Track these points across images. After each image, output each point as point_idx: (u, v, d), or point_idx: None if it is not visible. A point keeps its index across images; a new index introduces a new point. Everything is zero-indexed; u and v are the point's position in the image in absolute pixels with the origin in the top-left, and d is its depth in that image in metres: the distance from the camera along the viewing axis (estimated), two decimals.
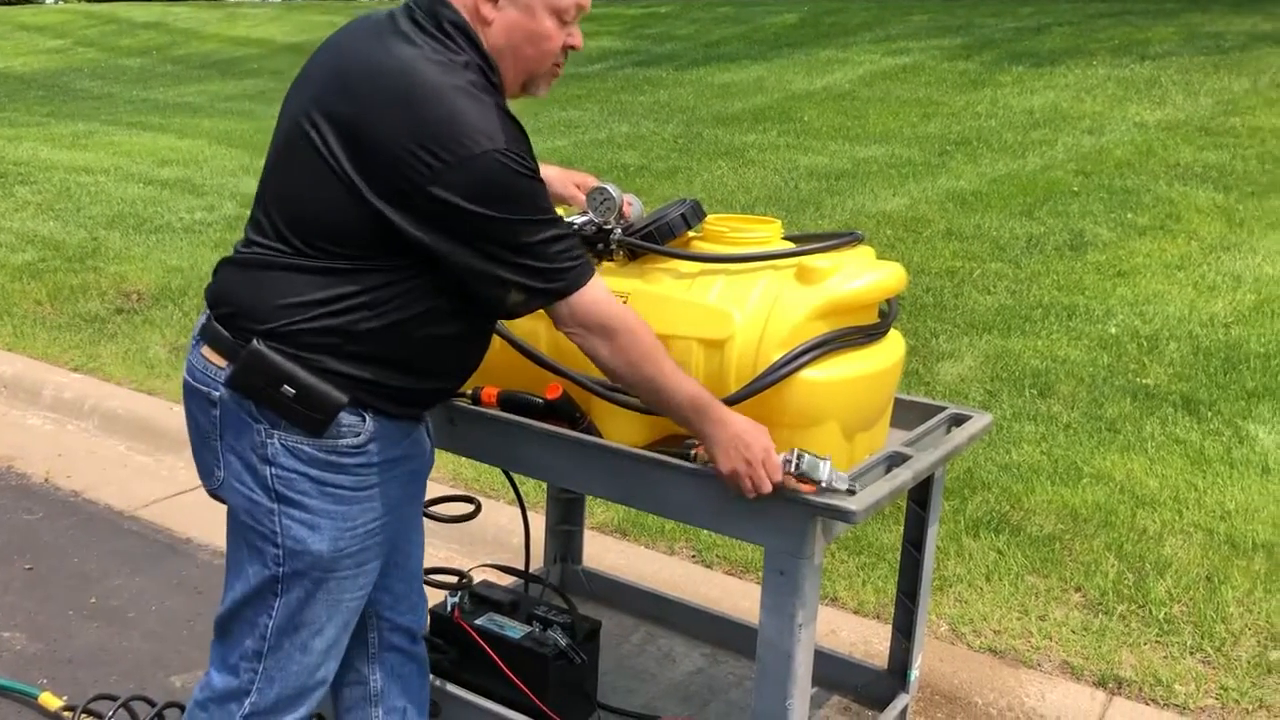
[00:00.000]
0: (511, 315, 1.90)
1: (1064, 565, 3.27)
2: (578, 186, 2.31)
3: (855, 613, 3.12)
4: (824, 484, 1.83)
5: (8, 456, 4.43)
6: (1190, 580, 3.17)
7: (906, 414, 2.35)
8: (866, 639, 2.94)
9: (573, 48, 1.89)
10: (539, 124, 10.15)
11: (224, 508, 1.92)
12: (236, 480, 1.85)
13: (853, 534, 3.44)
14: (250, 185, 2.48)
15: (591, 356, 1.85)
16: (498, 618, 2.46)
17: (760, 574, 3.29)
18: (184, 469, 4.06)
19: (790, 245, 2.14)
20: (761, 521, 1.91)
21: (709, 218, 2.22)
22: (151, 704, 2.72)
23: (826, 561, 3.34)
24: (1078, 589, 3.18)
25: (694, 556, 3.43)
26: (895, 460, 2.08)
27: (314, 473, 1.82)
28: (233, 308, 1.82)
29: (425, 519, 2.27)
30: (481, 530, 3.47)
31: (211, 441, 1.87)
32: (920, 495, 2.38)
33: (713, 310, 2.03)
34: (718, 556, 3.40)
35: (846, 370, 2.04)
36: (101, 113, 12.79)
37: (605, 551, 3.33)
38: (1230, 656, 2.88)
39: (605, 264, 2.21)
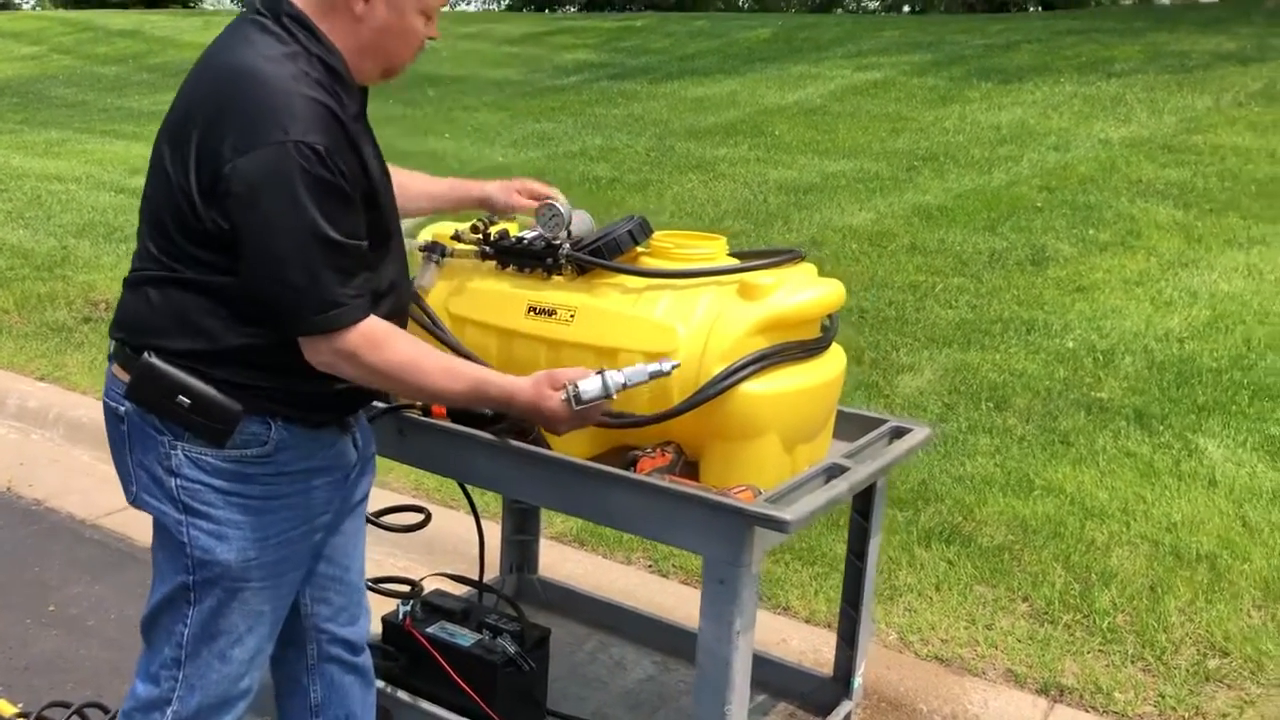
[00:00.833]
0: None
1: (1013, 575, 3.34)
2: (521, 193, 2.34)
3: (807, 621, 3.17)
4: (612, 394, 1.88)
5: None
6: (1134, 590, 3.24)
7: (849, 426, 2.41)
8: (816, 647, 2.99)
9: (430, 38, 1.91)
10: (513, 136, 10.22)
11: None
12: (146, 492, 1.88)
13: (807, 545, 3.50)
14: None
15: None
16: (449, 626, 2.49)
17: None
18: None
19: (734, 262, 2.20)
20: (700, 531, 1.96)
21: (656, 234, 2.27)
22: (105, 710, 2.74)
23: (780, 570, 3.39)
24: (1025, 599, 3.24)
25: (650, 566, 3.48)
26: (834, 472, 2.13)
27: (219, 483, 1.84)
28: (128, 325, 1.86)
29: (380, 529, 2.31)
30: (441, 540, 3.51)
31: (123, 456, 1.90)
32: (863, 506, 2.44)
33: (658, 325, 2.08)
34: (674, 565, 3.45)
35: (787, 384, 2.09)
36: (75, 120, 12.76)
37: (563, 561, 3.37)
38: (1170, 665, 2.95)
39: (554, 278, 2.26)
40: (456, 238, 2.39)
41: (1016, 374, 4.78)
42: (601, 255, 2.20)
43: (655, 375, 1.93)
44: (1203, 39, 12.05)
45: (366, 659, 2.25)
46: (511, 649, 2.39)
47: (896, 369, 4.83)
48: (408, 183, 2.23)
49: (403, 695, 2.45)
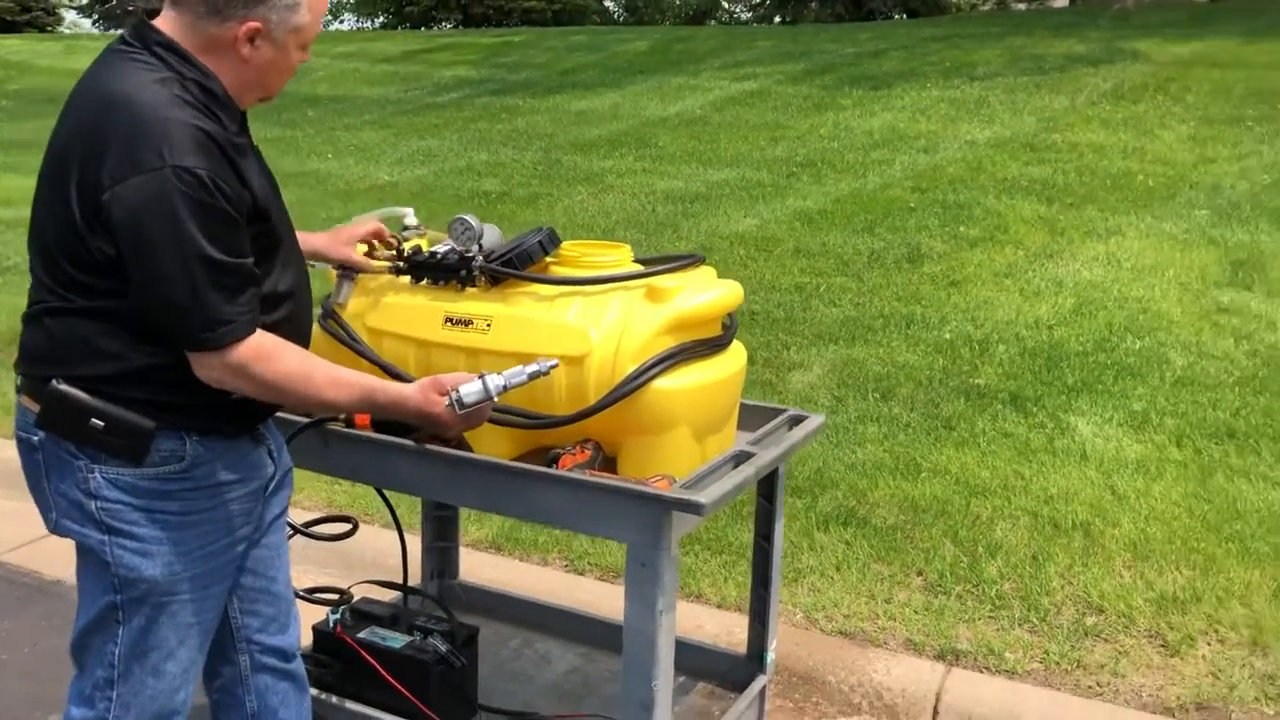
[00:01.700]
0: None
1: (906, 553, 3.55)
2: (349, 242, 2.43)
3: (719, 607, 3.33)
4: (493, 397, 1.99)
5: None
6: (1018, 560, 3.49)
7: (751, 417, 2.57)
8: (730, 630, 3.15)
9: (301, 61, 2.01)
10: (397, 154, 10.22)
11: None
12: (66, 518, 1.92)
13: (714, 534, 3.66)
14: None
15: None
16: (379, 630, 2.58)
17: None
18: None
19: (639, 268, 2.35)
20: (622, 520, 2.09)
21: (564, 244, 2.40)
22: None
23: (691, 561, 3.55)
24: (919, 573, 3.46)
25: (567, 565, 3.60)
26: (740, 458, 2.29)
27: (139, 501, 1.89)
28: (33, 358, 1.91)
29: (309, 540, 2.38)
30: (359, 553, 3.57)
31: (41, 485, 1.94)
32: (767, 491, 2.61)
33: (572, 329, 2.22)
34: (589, 564, 3.58)
35: (694, 379, 2.24)
36: None
37: (481, 566, 3.47)
38: (1053, 625, 3.19)
39: (469, 289, 2.37)
40: (370, 254, 2.49)
41: (899, 365, 5.03)
42: (514, 266, 2.32)
43: (535, 375, 2.04)
44: (1056, 42, 12.70)
45: (299, 666, 2.31)
46: (443, 647, 2.49)
47: (788, 366, 5.04)
48: None
49: (338, 701, 2.53)
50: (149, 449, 1.89)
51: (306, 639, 2.49)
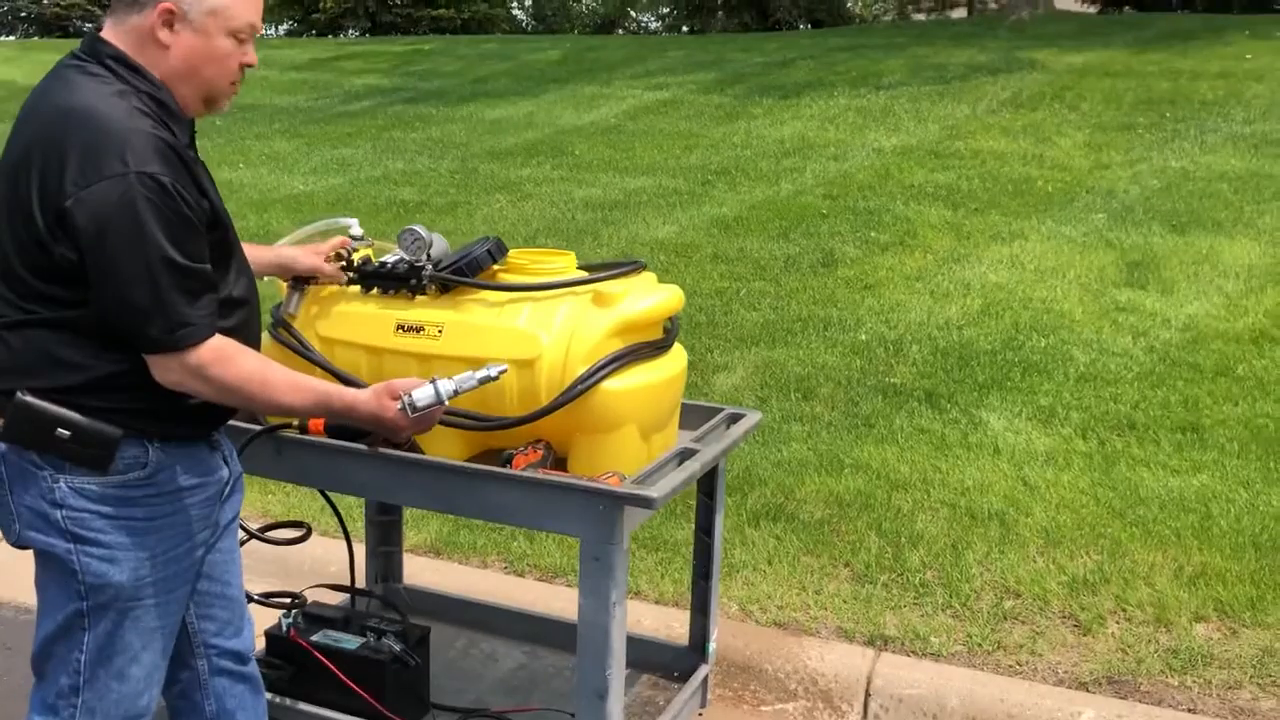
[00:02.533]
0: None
1: (833, 545, 3.70)
2: (318, 254, 2.48)
3: (656, 603, 3.44)
4: (444, 401, 2.05)
5: None
6: (939, 549, 3.66)
7: (691, 416, 2.69)
8: (669, 624, 3.25)
9: (248, 65, 1.99)
10: (311, 163, 10.14)
11: (25, 567, 2.02)
12: (31, 529, 1.95)
13: (650, 534, 3.77)
14: None
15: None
16: (332, 633, 2.63)
17: (569, 578, 3.58)
18: None
19: (584, 274, 2.44)
20: (576, 515, 2.19)
21: (510, 252, 2.49)
22: None
23: (629, 559, 3.64)
24: (846, 564, 3.61)
25: (506, 568, 3.67)
26: (685, 455, 2.41)
27: (105, 509, 1.94)
28: None
29: (261, 544, 2.43)
30: (299, 561, 3.59)
31: (4, 497, 1.97)
32: (708, 487, 2.72)
33: (522, 334, 2.31)
34: (529, 565, 3.65)
35: (640, 380, 2.35)
36: None
37: (423, 570, 3.52)
38: (974, 609, 3.36)
39: (418, 298, 2.44)
40: None
41: (819, 366, 5.20)
42: (464, 273, 2.40)
43: (484, 380, 2.11)
44: (957, 52, 13.12)
45: (254, 668, 2.35)
46: (396, 647, 2.55)
47: (712, 369, 5.18)
48: None
49: (292, 703, 2.57)
50: (114, 456, 1.93)
51: (259, 643, 2.53)
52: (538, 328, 2.31)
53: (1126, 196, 7.70)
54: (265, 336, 2.40)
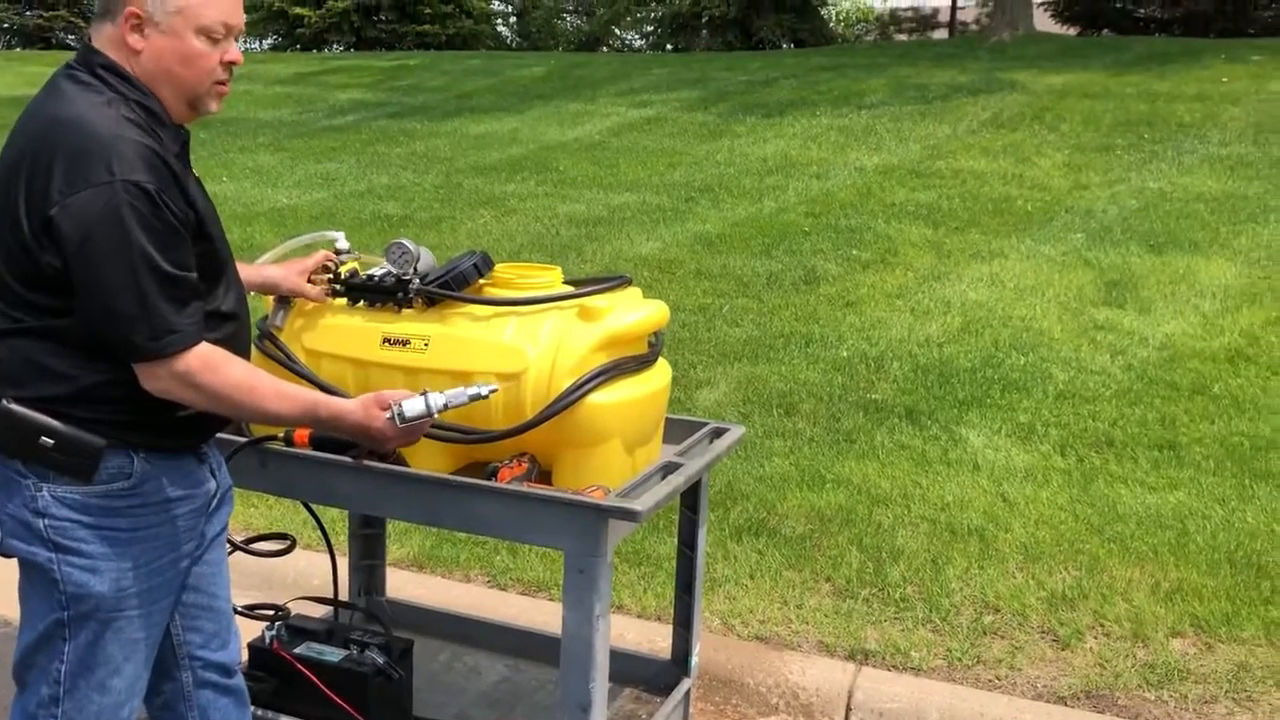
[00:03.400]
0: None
1: (815, 560, 3.72)
2: (303, 274, 2.49)
3: (639, 617, 3.45)
4: (434, 414, 2.08)
5: None
6: (919, 564, 3.69)
7: (675, 430, 2.71)
8: (651, 639, 3.27)
9: (233, 63, 1.97)
10: (295, 177, 10.14)
11: (8, 577, 2.02)
12: (13, 537, 1.96)
13: (633, 548, 3.78)
14: None
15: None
16: (315, 645, 2.63)
17: (551, 592, 3.59)
18: None
19: (570, 289, 2.46)
20: (561, 528, 2.20)
21: (497, 266, 2.51)
22: None
23: (611, 574, 3.65)
24: (827, 579, 3.63)
25: (489, 581, 3.68)
26: (669, 469, 2.43)
27: (88, 519, 1.94)
28: None
29: (243, 556, 2.43)
30: (282, 574, 3.59)
31: None
32: (691, 501, 2.74)
33: (508, 347, 2.32)
34: (511, 579, 3.66)
35: (625, 394, 2.37)
36: None
37: (405, 584, 3.52)
38: (953, 624, 3.39)
39: (404, 311, 2.46)
40: (309, 281, 2.55)
41: (801, 383, 5.24)
42: (450, 287, 2.42)
43: (474, 398, 2.13)
44: (939, 73, 13.25)
45: (239, 680, 2.35)
46: (380, 660, 2.55)
47: (695, 384, 5.20)
48: None
49: (274, 716, 2.57)
50: (98, 466, 1.94)
51: (243, 655, 2.53)
52: (524, 341, 2.32)
53: (1105, 216, 7.78)
54: (252, 351, 2.40)
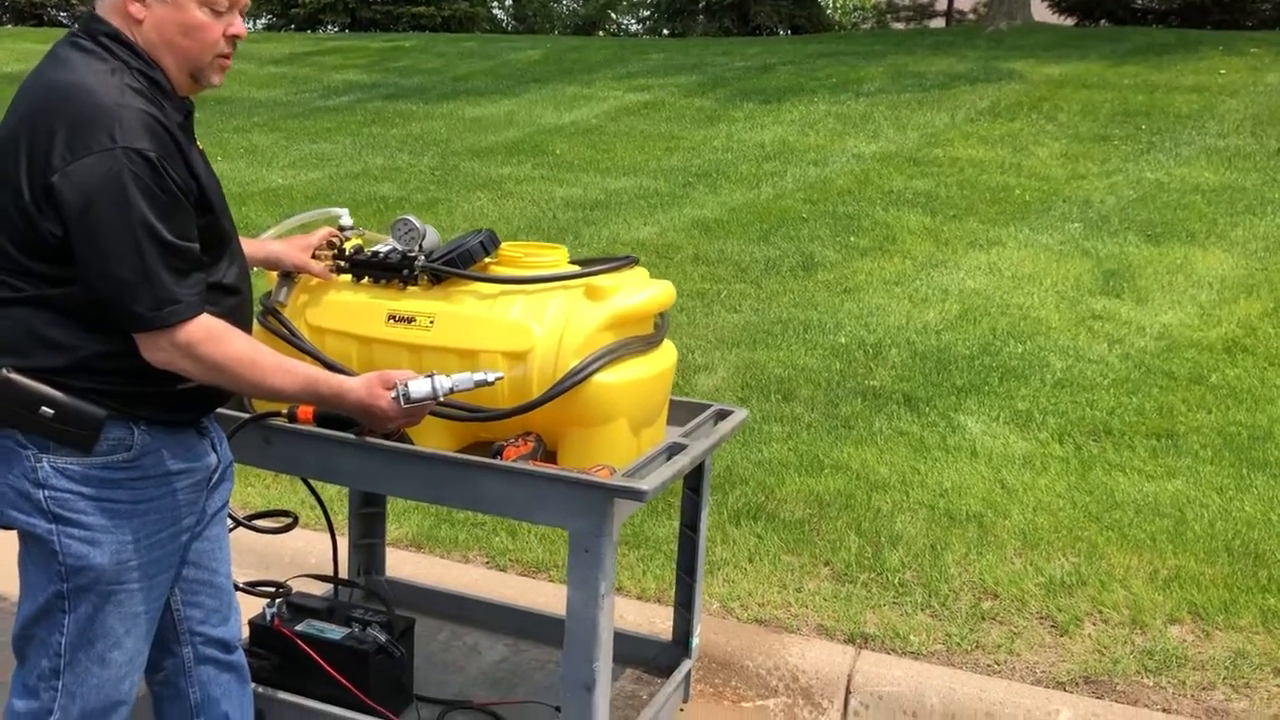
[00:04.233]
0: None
1: (814, 544, 3.72)
2: (306, 250, 2.47)
3: (639, 599, 3.45)
4: (439, 397, 2.07)
5: None
6: (918, 549, 3.69)
7: (679, 412, 2.70)
8: (651, 620, 3.26)
9: (236, 36, 1.97)
10: (289, 157, 10.09)
11: (6, 552, 2.01)
12: (13, 508, 1.94)
13: (632, 530, 3.78)
14: None
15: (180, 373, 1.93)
16: (316, 623, 2.62)
17: (550, 573, 3.58)
18: None
19: (577, 268, 2.45)
20: (567, 507, 2.20)
21: (503, 245, 2.50)
22: None
23: None
24: (826, 563, 3.63)
25: (488, 562, 3.67)
26: (674, 449, 2.42)
27: (88, 490, 1.93)
28: None
29: (242, 533, 2.41)
30: (279, 553, 3.58)
31: None
32: (694, 483, 2.74)
33: (515, 325, 2.31)
34: (510, 560, 3.66)
35: (632, 374, 2.36)
36: None
37: (403, 564, 3.51)
38: (952, 609, 3.39)
39: (410, 289, 2.44)
40: (312, 257, 2.53)
41: (799, 368, 5.23)
42: (456, 265, 2.41)
43: (480, 384, 2.12)
44: (936, 61, 13.21)
45: (240, 657, 2.35)
46: (381, 638, 2.54)
47: (694, 369, 5.19)
48: None
49: (276, 694, 2.56)
50: (99, 438, 1.92)
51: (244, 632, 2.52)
52: (530, 320, 2.31)
53: (1103, 206, 7.78)
54: (255, 326, 2.39)
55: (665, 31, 25.56)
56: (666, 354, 2.52)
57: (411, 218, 2.44)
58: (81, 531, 1.94)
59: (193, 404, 2.05)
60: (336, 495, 3.73)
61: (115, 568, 1.97)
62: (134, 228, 1.82)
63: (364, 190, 8.73)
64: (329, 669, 2.50)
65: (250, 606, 2.70)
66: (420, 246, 2.44)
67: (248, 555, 3.51)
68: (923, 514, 3.91)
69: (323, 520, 2.86)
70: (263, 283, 2.62)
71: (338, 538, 2.84)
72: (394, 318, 2.40)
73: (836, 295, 6.23)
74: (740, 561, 3.63)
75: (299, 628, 2.59)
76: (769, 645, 3.20)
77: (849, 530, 3.80)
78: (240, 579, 3.09)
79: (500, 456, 2.27)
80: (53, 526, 1.94)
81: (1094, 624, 3.32)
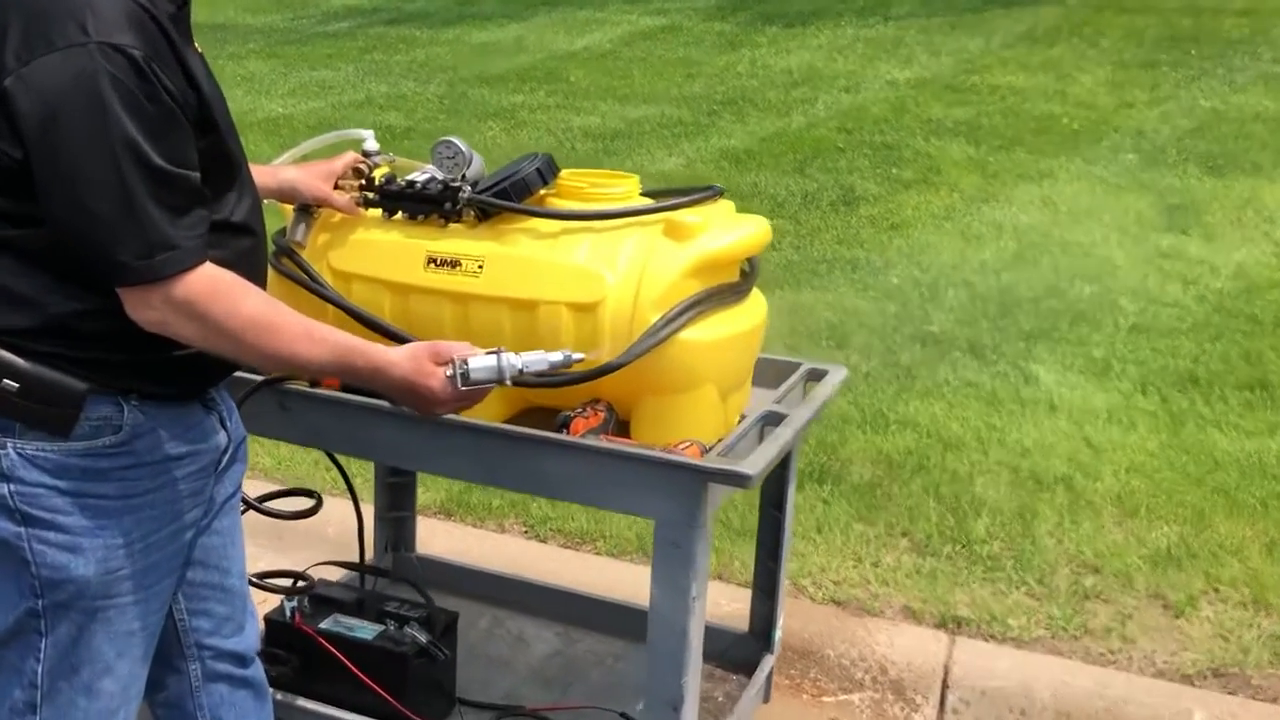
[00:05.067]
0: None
1: (888, 510, 3.35)
2: (327, 179, 2.07)
3: None
4: (505, 380, 1.66)
5: None
6: (1005, 517, 3.31)
7: (763, 371, 2.29)
8: (715, 601, 2.88)
9: None
10: (289, 85, 9.59)
11: None
12: None
13: None
14: None
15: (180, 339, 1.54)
16: (343, 619, 2.25)
17: (596, 544, 3.22)
18: None
19: (651, 201, 2.03)
20: (651, 493, 1.81)
21: (563, 173, 2.08)
22: None
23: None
24: (904, 533, 3.26)
25: (526, 532, 3.30)
26: (771, 419, 2.02)
27: (65, 484, 1.54)
28: None
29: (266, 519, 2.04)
30: (292, 527, 3.19)
31: None
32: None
33: (582, 271, 1.90)
34: (551, 530, 3.28)
35: (721, 330, 1.96)
36: None
37: (433, 535, 3.13)
38: (1051, 587, 3.03)
39: (452, 226, 2.03)
40: (335, 187, 2.11)
41: (850, 312, 4.83)
42: (508, 197, 1.99)
43: (556, 366, 1.71)
44: None
45: (257, 669, 1.95)
46: (422, 637, 2.17)
47: None
48: None
49: (296, 700, 2.19)
50: (79, 417, 1.52)
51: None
52: (601, 265, 1.90)
53: (1157, 136, 7.32)
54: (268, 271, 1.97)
55: None
56: (757, 306, 2.11)
57: (455, 139, 2.02)
58: (58, 535, 1.54)
59: (196, 372, 1.64)
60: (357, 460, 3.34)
61: (102, 579, 1.58)
62: (113, 147, 1.40)
63: (368, 120, 8.23)
64: (360, 675, 2.12)
65: (263, 597, 2.33)
66: (465, 175, 2.01)
67: (255, 529, 3.12)
68: (1005, 476, 3.53)
69: (340, 482, 2.46)
70: (276, 219, 2.19)
71: (362, 508, 2.45)
72: (434, 260, 1.99)
73: (883, 232, 5.80)
74: (808, 531, 3.25)
75: (324, 625, 2.21)
76: (851, 631, 2.84)
77: (925, 495, 3.42)
78: (251, 559, 2.71)
79: (566, 430, 1.87)
80: (21, 530, 1.54)
81: (1211, 604, 2.96)
